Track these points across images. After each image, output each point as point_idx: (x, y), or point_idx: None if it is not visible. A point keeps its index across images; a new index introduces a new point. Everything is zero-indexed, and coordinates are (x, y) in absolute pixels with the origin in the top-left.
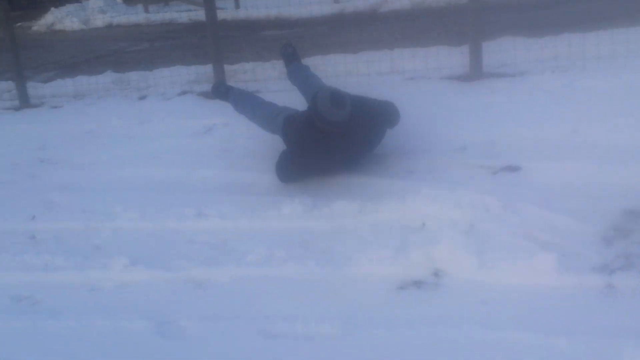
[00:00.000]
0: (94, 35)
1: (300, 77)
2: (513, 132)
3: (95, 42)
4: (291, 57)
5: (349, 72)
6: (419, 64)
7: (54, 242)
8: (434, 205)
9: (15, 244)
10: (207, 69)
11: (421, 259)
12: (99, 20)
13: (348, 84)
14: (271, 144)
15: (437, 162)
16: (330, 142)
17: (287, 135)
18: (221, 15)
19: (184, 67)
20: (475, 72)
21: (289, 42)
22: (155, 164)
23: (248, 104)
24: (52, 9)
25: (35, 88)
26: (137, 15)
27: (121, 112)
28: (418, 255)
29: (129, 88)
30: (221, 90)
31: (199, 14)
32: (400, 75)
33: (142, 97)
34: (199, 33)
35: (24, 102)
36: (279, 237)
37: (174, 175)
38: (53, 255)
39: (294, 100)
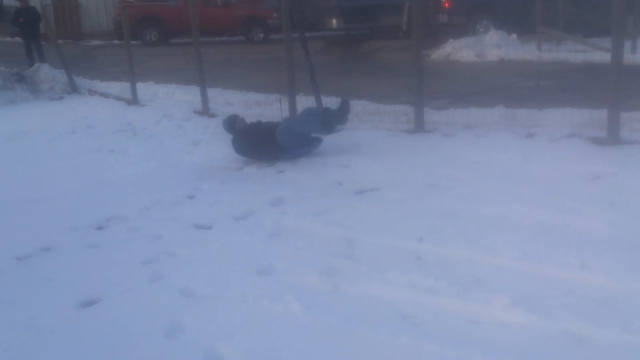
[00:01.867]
0: (486, 68)
1: None
2: None
3: (487, 75)
4: None
5: None
6: None
7: (437, 267)
8: None
9: (402, 263)
10: (600, 114)
11: None
12: (493, 54)
13: None
14: None
15: None
16: None
17: None
18: None
19: (574, 110)
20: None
21: None
22: (537, 205)
23: None
24: (451, 39)
25: (429, 114)
26: (529, 53)
27: (507, 147)
28: None
29: (517, 124)
30: None
31: (594, 56)
32: None
33: (530, 136)
34: (591, 74)
35: (419, 126)
36: None
37: (556, 220)
38: (436, 279)
39: None
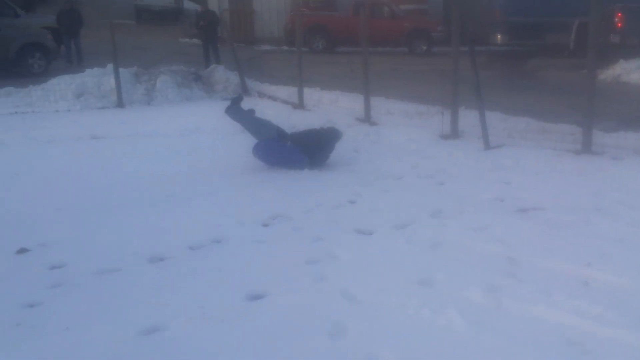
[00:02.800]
0: None
1: None
2: None
3: None
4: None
5: None
6: None
7: (607, 295)
8: None
9: (569, 287)
10: None
11: None
12: None
13: None
14: None
15: None
16: None
17: None
18: None
19: None
20: None
21: None
22: None
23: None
24: (621, 60)
25: (597, 135)
26: None
27: None
28: None
29: None
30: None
31: None
32: None
33: None
34: None
35: (586, 147)
36: None
37: None
38: (606, 308)
39: None
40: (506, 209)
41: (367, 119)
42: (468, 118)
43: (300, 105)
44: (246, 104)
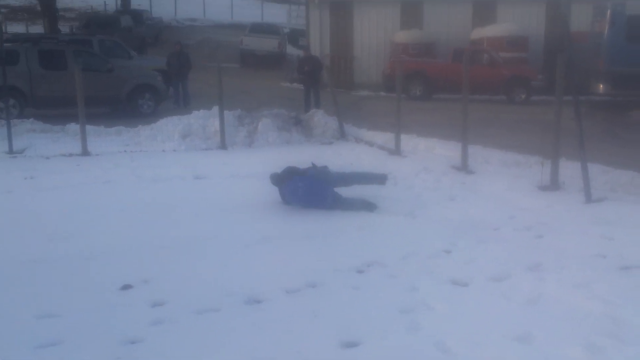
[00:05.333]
0: None
1: None
2: None
3: None
4: None
5: None
6: None
7: None
8: None
9: None
10: None
11: None
12: None
13: None
14: None
15: None
16: None
17: None
18: None
19: None
20: None
21: None
22: None
23: None
24: None
25: None
26: None
27: None
28: None
29: None
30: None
31: None
32: None
33: None
34: None
35: None
36: None
37: None
38: None
39: None
40: (608, 265)
41: (463, 167)
42: (567, 169)
43: (396, 151)
44: (344, 148)
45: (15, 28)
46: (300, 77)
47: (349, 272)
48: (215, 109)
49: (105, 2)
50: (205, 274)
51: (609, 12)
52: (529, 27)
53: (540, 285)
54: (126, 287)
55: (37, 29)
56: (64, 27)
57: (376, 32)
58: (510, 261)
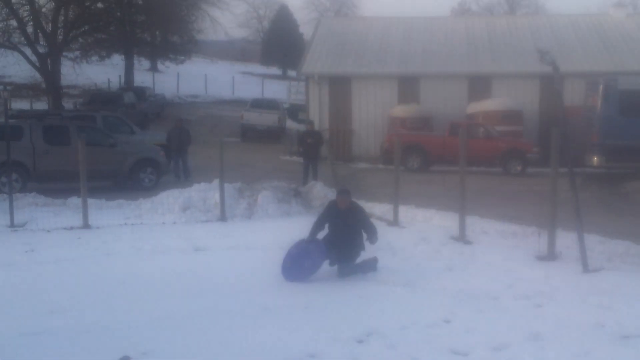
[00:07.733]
0: None
1: None
2: None
3: None
4: None
5: None
6: None
7: None
8: None
9: None
10: None
11: None
12: None
13: None
14: None
15: None
16: None
17: None
18: None
19: None
20: None
21: None
22: None
23: None
24: None
25: None
26: None
27: None
28: None
29: None
30: None
31: None
32: None
33: None
34: None
35: None
36: None
37: None
38: None
39: None
40: (608, 335)
41: (461, 237)
42: (564, 239)
43: (395, 222)
44: None
45: (20, 104)
46: (300, 151)
47: (349, 342)
48: (216, 182)
49: (109, 79)
50: (204, 346)
51: (601, 86)
52: (524, 101)
53: (540, 355)
54: (125, 359)
55: (42, 105)
56: (67, 104)
57: (374, 107)
58: (510, 330)
